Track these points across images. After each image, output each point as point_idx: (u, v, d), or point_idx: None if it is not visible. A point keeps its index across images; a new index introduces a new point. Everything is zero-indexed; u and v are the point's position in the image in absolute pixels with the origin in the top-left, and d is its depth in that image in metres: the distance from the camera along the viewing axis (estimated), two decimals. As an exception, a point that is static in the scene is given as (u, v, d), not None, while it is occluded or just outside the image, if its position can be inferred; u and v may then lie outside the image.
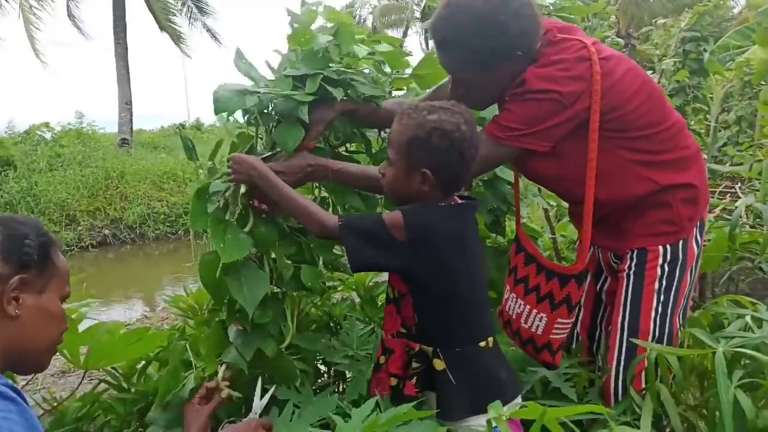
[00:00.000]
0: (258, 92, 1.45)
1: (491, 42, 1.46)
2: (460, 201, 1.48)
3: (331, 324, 2.28)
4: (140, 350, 1.86)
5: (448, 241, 1.37)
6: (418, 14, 27.58)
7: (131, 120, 16.72)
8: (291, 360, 1.61)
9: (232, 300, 1.49)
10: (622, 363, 1.60)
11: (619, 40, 3.24)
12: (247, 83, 1.53)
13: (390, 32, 24.41)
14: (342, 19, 1.60)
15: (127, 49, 16.75)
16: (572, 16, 2.00)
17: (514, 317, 1.71)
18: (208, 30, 20.02)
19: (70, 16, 18.75)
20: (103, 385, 2.00)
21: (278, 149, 1.54)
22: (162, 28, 18.31)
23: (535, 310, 1.65)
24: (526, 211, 2.46)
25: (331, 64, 1.55)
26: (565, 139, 1.52)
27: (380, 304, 2.36)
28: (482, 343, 1.42)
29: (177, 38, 18.82)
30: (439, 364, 1.38)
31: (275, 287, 1.58)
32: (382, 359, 1.49)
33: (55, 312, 1.11)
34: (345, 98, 1.58)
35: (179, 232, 12.52)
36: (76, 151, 13.81)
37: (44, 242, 1.10)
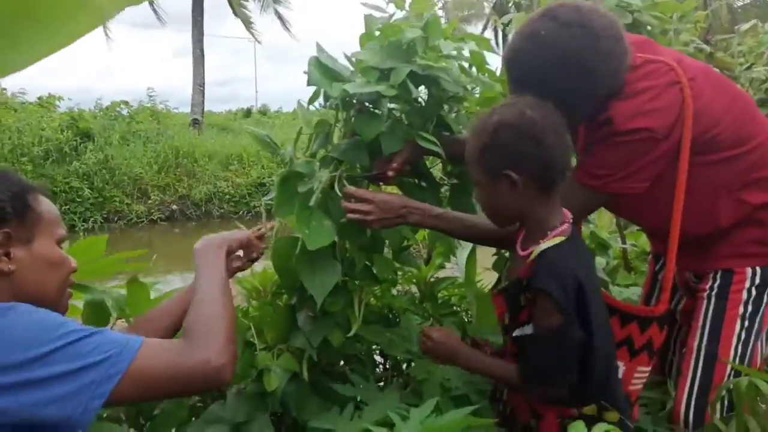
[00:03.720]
0: (343, 82, 1.45)
1: (578, 86, 1.31)
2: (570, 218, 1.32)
3: (390, 316, 2.28)
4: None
5: (594, 287, 1.26)
6: (487, 10, 27.13)
7: (203, 101, 17.26)
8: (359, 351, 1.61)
9: (303, 286, 1.50)
10: (696, 390, 1.49)
11: (705, 47, 3.07)
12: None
13: (466, 28, 24.09)
14: (431, 11, 1.57)
15: (203, 32, 17.27)
16: (663, 15, 1.90)
17: None
18: (279, 17, 20.39)
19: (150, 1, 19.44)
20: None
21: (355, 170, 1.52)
22: (236, 13, 18.76)
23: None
24: (593, 216, 2.37)
25: (415, 58, 1.52)
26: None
27: (440, 300, 2.34)
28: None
29: (248, 23, 19.26)
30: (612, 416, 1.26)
31: (345, 276, 1.58)
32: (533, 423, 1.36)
33: (52, 257, 1.07)
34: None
35: (242, 212, 12.85)
36: (149, 128, 14.38)
37: (17, 192, 1.04)
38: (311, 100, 1.56)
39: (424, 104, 1.63)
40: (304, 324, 1.54)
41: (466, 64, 1.71)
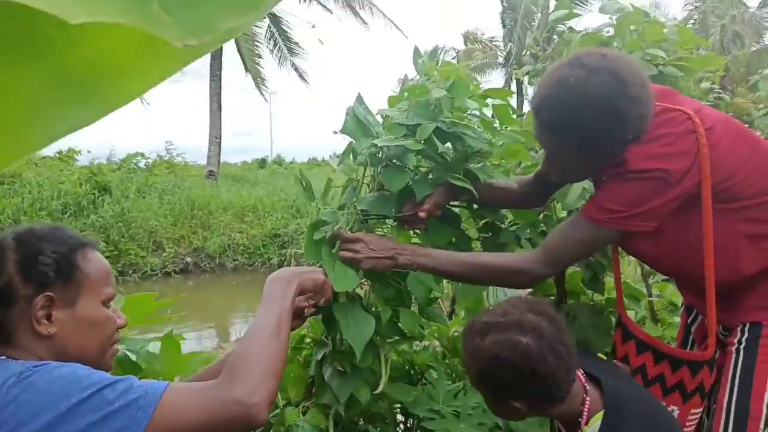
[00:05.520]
0: (373, 137, 1.52)
1: (607, 130, 1.31)
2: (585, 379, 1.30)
3: (411, 372, 2.23)
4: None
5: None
6: (500, 59, 27.66)
7: (219, 153, 17.56)
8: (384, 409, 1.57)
9: (332, 340, 1.51)
10: None
11: (726, 97, 3.08)
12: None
13: (478, 77, 24.56)
14: (459, 74, 1.62)
15: (220, 86, 17.72)
16: (686, 65, 1.91)
17: None
18: (296, 69, 20.88)
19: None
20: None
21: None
22: (247, 69, 19.27)
23: (663, 403, 1.50)
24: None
25: (441, 117, 1.58)
26: (668, 216, 1.40)
27: (463, 355, 2.29)
28: None
29: (260, 81, 19.76)
30: None
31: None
32: None
33: (95, 319, 1.05)
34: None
35: (256, 264, 12.85)
36: (166, 181, 14.62)
37: (64, 253, 1.03)
38: (344, 156, 1.61)
39: (449, 159, 1.67)
40: (330, 379, 1.53)
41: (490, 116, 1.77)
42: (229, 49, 18.60)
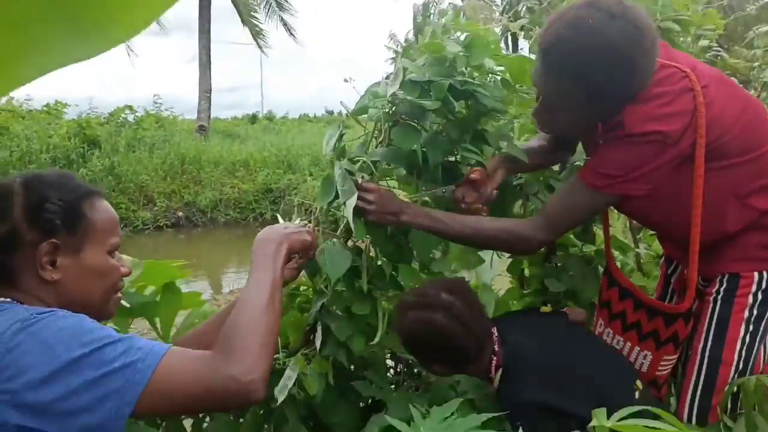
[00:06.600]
0: (387, 97, 1.49)
1: (616, 81, 1.27)
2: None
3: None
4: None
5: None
6: (496, 14, 27.16)
7: (209, 108, 17.33)
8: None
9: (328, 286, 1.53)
10: (699, 393, 1.49)
11: (724, 55, 3.05)
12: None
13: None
14: (477, 32, 1.57)
15: (210, 39, 17.36)
16: (685, 19, 1.89)
17: None
18: (285, 25, 20.48)
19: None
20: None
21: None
22: (244, 22, 18.88)
23: (637, 348, 1.56)
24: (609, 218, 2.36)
25: (455, 74, 1.53)
26: (662, 177, 1.40)
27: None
28: None
29: (257, 33, 19.38)
30: None
31: (370, 284, 1.58)
32: None
33: (99, 268, 1.05)
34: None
35: (248, 219, 12.86)
36: (155, 135, 14.44)
37: (71, 201, 1.02)
38: (358, 112, 1.57)
39: (462, 117, 1.64)
40: (331, 326, 1.55)
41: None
42: (217, 3, 18.17)
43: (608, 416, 0.93)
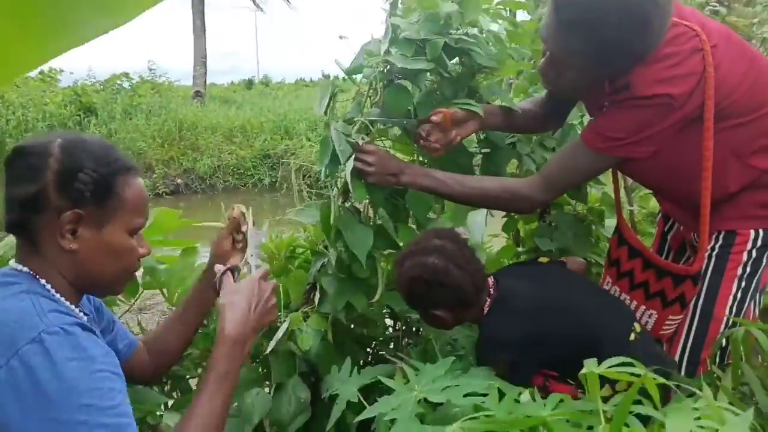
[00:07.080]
0: (380, 57, 1.49)
1: (629, 39, 1.23)
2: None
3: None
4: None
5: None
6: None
7: (205, 74, 17.14)
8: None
9: (338, 250, 1.56)
10: (689, 346, 1.52)
11: (722, 10, 3.02)
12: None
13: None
14: None
15: (204, 4, 17.06)
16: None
17: None
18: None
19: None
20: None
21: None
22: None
23: (643, 306, 1.57)
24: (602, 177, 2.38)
25: (450, 31, 1.53)
26: (666, 139, 1.39)
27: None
28: None
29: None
30: None
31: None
32: None
33: (117, 246, 1.04)
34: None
35: (247, 185, 12.86)
36: (152, 102, 14.31)
37: (106, 175, 1.01)
38: (352, 72, 1.58)
39: (456, 75, 1.64)
40: (328, 287, 1.58)
41: (503, 33, 1.71)
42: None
43: (598, 361, 0.95)
